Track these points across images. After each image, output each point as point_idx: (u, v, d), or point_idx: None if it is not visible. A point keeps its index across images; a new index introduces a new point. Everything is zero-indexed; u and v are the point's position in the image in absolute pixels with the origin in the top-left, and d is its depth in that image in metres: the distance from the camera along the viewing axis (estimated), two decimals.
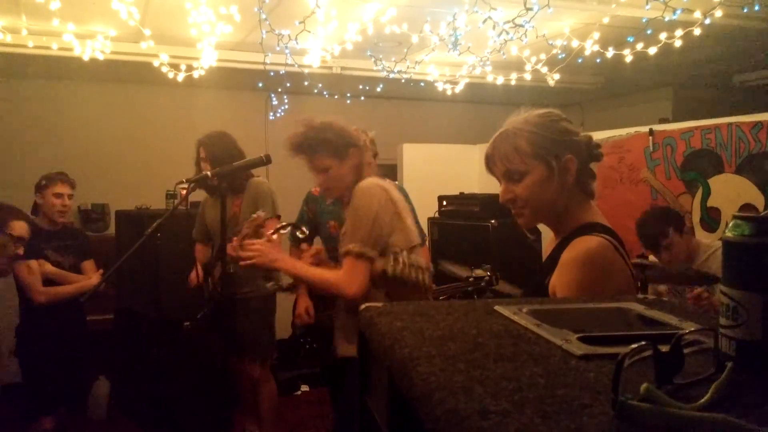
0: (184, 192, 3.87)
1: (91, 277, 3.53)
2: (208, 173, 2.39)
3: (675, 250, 3.01)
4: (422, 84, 4.49)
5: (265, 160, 2.41)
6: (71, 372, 3.49)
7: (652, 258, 3.16)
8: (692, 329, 0.73)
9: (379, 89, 4.77)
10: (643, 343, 0.59)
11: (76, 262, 3.55)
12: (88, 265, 3.60)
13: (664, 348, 0.61)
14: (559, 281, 1.37)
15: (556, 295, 1.37)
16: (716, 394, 0.56)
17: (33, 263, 3.28)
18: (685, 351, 0.64)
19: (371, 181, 2.18)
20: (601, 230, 1.41)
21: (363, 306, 0.97)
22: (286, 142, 2.26)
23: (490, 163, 1.51)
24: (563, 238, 1.45)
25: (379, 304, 0.97)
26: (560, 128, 1.46)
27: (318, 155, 2.23)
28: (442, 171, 5.29)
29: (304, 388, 4.74)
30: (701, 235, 3.60)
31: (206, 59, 3.65)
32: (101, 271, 3.57)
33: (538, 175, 1.44)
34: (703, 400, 0.55)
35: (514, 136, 1.45)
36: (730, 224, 0.66)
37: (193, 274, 3.37)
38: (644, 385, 0.53)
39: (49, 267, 3.37)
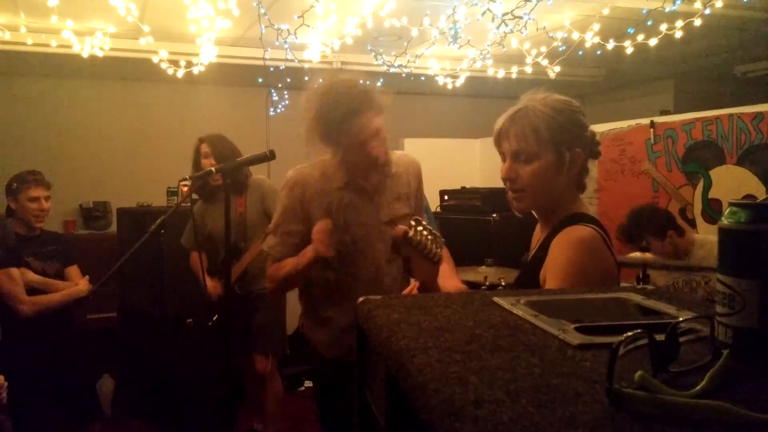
0: (186, 189, 3.88)
1: (77, 283, 3.28)
2: (212, 169, 2.38)
3: (659, 252, 3.02)
4: (423, 78, 4.48)
5: (269, 156, 2.38)
6: (63, 393, 3.19)
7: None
8: (688, 317, 0.72)
9: (379, 84, 4.76)
10: (638, 331, 0.58)
11: (60, 268, 3.30)
12: (73, 270, 3.34)
13: (660, 337, 0.60)
14: (551, 265, 1.38)
15: (547, 278, 1.38)
16: (712, 381, 0.56)
17: (14, 271, 2.96)
18: (682, 339, 0.64)
19: None
20: (587, 220, 1.42)
21: (360, 299, 0.97)
22: (333, 118, 1.87)
23: (502, 137, 1.48)
24: (552, 229, 1.45)
25: (378, 297, 0.97)
26: (577, 120, 1.45)
27: (369, 114, 1.93)
28: (443, 165, 5.28)
29: (308, 384, 4.75)
30: (703, 227, 3.60)
31: (206, 55, 3.64)
32: (87, 276, 3.33)
33: (547, 162, 1.43)
34: (698, 388, 0.55)
35: (535, 116, 1.43)
36: (727, 212, 0.65)
37: (210, 285, 3.28)
38: (638, 373, 0.53)
39: (32, 275, 3.09)
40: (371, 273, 2.04)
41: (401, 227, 1.66)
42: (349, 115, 1.85)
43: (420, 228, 1.64)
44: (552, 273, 1.37)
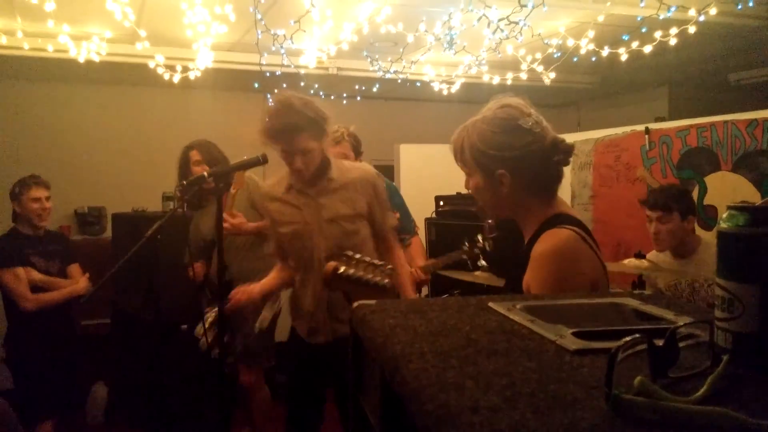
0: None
1: (78, 281, 3.48)
2: (204, 174, 2.38)
3: (667, 230, 2.96)
4: (418, 84, 4.48)
5: (262, 160, 2.40)
6: (64, 377, 3.44)
7: (650, 256, 3.15)
8: (687, 322, 0.72)
9: (375, 89, 4.76)
10: (637, 336, 0.58)
11: (62, 267, 3.51)
12: (74, 269, 3.55)
13: (659, 342, 0.60)
14: (532, 278, 1.37)
15: (531, 291, 1.37)
16: (712, 387, 0.55)
17: (20, 270, 3.24)
18: (681, 344, 0.63)
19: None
20: (566, 221, 1.41)
21: (356, 304, 0.96)
22: (269, 128, 2.22)
23: (454, 154, 1.53)
24: (532, 234, 1.45)
25: (372, 302, 0.96)
26: (500, 142, 1.41)
27: (302, 135, 2.20)
28: (438, 171, 5.24)
29: None
30: (698, 233, 3.60)
31: (202, 60, 3.64)
32: (87, 274, 3.53)
33: (477, 180, 1.47)
34: (698, 394, 0.54)
35: (467, 136, 1.46)
36: (725, 215, 0.65)
37: (197, 267, 3.26)
38: (638, 379, 0.52)
39: (36, 274, 3.32)
40: (313, 265, 2.31)
41: (331, 263, 1.65)
42: (284, 131, 2.19)
43: (354, 261, 1.61)
44: (536, 288, 1.36)
